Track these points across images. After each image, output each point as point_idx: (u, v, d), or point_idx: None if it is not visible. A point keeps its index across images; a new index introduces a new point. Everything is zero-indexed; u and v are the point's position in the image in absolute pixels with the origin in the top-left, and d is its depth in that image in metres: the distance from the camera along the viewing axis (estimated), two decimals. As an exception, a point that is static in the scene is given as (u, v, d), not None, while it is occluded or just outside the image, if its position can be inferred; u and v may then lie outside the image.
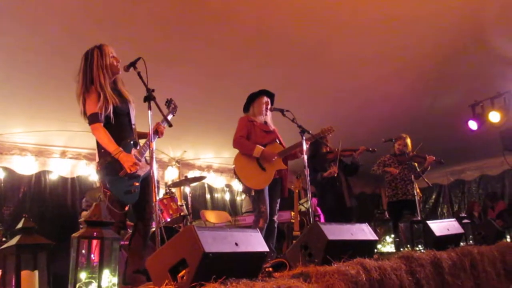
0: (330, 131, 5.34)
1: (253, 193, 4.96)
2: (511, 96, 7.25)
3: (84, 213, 6.71)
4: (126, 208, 3.72)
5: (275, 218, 5.14)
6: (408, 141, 7.08)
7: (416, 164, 7.08)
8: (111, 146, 3.61)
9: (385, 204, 8.79)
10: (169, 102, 4.24)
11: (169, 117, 4.11)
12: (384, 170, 7.19)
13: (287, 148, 5.19)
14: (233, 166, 5.24)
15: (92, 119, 3.65)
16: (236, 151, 5.20)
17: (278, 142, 5.23)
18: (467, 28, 6.15)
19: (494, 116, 7.44)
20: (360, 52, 6.55)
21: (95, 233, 2.75)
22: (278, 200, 5.22)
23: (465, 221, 6.40)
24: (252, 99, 5.31)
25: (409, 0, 5.56)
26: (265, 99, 5.29)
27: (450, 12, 5.79)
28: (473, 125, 7.80)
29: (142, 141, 3.95)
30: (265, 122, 5.28)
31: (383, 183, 8.26)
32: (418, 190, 7.01)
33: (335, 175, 6.35)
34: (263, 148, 5.01)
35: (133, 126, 3.92)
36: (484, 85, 7.48)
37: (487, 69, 7.14)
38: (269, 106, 5.29)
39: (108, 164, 3.64)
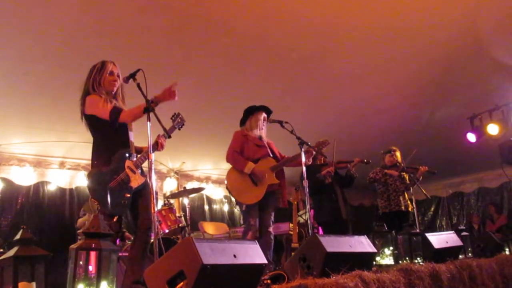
0: (326, 144, 5.36)
1: (244, 208, 5.01)
2: (509, 108, 7.27)
3: (80, 220, 6.71)
4: (114, 219, 3.71)
5: (271, 229, 5.14)
6: (398, 154, 7.09)
7: (406, 176, 7.11)
8: (139, 110, 3.68)
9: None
10: (176, 116, 4.24)
11: (174, 131, 4.12)
12: (385, 173, 7.17)
13: (279, 163, 5.23)
14: (225, 180, 5.29)
15: (114, 114, 3.73)
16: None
17: (271, 156, 5.27)
18: (465, 41, 6.19)
19: (493, 129, 7.44)
20: (359, 65, 6.58)
21: (93, 244, 2.74)
22: (273, 212, 5.24)
23: (464, 233, 6.38)
24: (250, 113, 5.35)
25: (408, 13, 5.60)
26: (263, 115, 5.34)
27: (448, 26, 5.84)
28: (471, 137, 7.80)
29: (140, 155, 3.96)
30: (260, 137, 5.32)
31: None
32: (409, 202, 7.03)
33: (331, 175, 6.31)
34: (254, 165, 5.06)
35: (131, 142, 3.93)
36: (482, 98, 7.51)
37: (485, 82, 7.17)
38: (265, 122, 5.34)
39: (97, 174, 3.65)
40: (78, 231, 6.44)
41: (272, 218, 5.22)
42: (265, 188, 5.04)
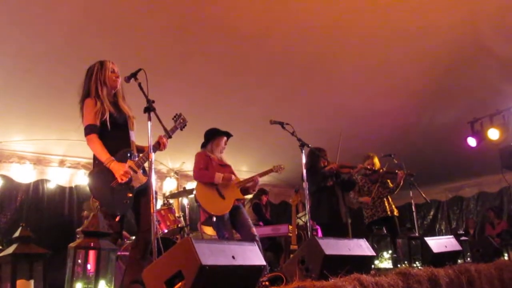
0: (280, 169, 5.54)
1: (214, 219, 5.09)
2: (510, 113, 7.26)
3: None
4: (117, 219, 3.71)
5: (253, 230, 5.17)
6: (376, 160, 7.10)
7: (389, 181, 7.13)
8: (103, 155, 3.64)
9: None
10: (177, 117, 4.26)
11: (176, 131, 4.14)
12: (360, 202, 7.25)
13: (243, 180, 5.42)
14: (194, 193, 5.45)
15: (88, 130, 3.71)
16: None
17: (234, 175, 5.42)
18: (467, 45, 6.20)
19: (493, 133, 7.44)
20: (359, 68, 6.59)
21: (92, 243, 2.74)
22: (248, 217, 5.33)
23: (463, 238, 6.37)
24: (212, 137, 5.47)
25: (408, 16, 5.62)
26: (225, 139, 5.49)
27: (450, 30, 5.85)
28: (472, 142, 7.80)
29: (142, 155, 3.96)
30: (221, 158, 5.48)
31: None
32: (394, 207, 7.06)
33: (334, 171, 6.32)
34: (222, 174, 5.21)
35: (132, 141, 3.93)
36: (483, 102, 7.51)
37: (487, 86, 7.17)
38: (225, 146, 5.53)
39: (99, 173, 3.65)
40: (78, 229, 6.42)
41: (250, 220, 5.29)
42: (232, 202, 5.18)
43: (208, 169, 5.27)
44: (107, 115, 3.72)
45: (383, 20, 5.65)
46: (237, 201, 5.26)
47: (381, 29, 5.78)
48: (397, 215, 7.10)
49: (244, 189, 5.41)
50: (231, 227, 5.20)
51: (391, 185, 7.13)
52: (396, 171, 6.94)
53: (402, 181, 6.94)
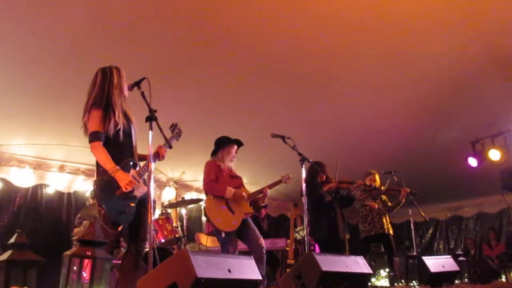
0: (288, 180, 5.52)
1: (223, 235, 5.01)
2: (511, 135, 7.27)
3: (76, 230, 6.66)
4: (120, 228, 3.69)
5: (261, 241, 5.12)
6: (377, 177, 7.08)
7: (387, 199, 7.11)
8: (108, 164, 3.61)
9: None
10: (174, 127, 4.28)
11: (173, 141, 4.15)
12: (365, 205, 7.20)
13: (252, 193, 5.33)
14: (203, 207, 5.40)
15: (93, 137, 3.66)
16: None
17: (243, 187, 5.37)
18: (470, 67, 6.23)
19: (494, 154, 7.44)
20: (362, 86, 6.61)
21: (87, 252, 2.72)
22: (256, 229, 5.27)
23: (461, 258, 6.34)
24: (223, 145, 5.40)
25: (413, 38, 5.65)
26: (235, 147, 5.43)
27: (453, 51, 5.88)
28: (473, 162, 7.80)
29: (142, 163, 3.95)
30: (231, 168, 5.41)
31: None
32: (390, 225, 7.03)
33: (333, 190, 6.29)
34: (233, 189, 5.13)
35: (134, 148, 3.93)
36: (485, 123, 7.51)
37: (489, 107, 7.19)
38: (236, 155, 5.46)
39: (104, 182, 3.62)
40: (73, 238, 6.39)
41: (258, 232, 5.24)
42: (242, 216, 5.12)
43: (219, 181, 5.20)
44: (121, 126, 3.70)
45: (383, 42, 5.69)
46: (245, 214, 5.20)
47: (386, 49, 5.81)
48: (392, 234, 7.08)
49: (253, 202, 5.34)
50: (239, 239, 5.16)
51: (390, 204, 7.10)
52: (400, 188, 6.93)
53: (403, 199, 6.92)
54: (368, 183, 6.72)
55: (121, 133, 3.71)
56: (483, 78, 6.42)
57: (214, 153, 5.44)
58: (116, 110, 3.71)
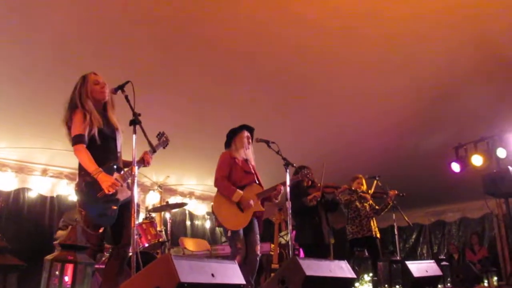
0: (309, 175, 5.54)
1: (229, 234, 4.95)
2: (494, 141, 7.33)
3: (60, 232, 6.59)
4: (101, 230, 3.66)
5: (258, 249, 5.07)
6: (364, 181, 7.12)
7: (373, 202, 7.16)
8: (91, 166, 3.60)
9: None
10: (161, 135, 4.27)
11: (159, 149, 4.15)
12: (360, 196, 7.15)
13: (265, 190, 5.21)
14: (212, 203, 5.29)
15: (76, 140, 3.67)
16: None
17: (257, 182, 5.25)
18: (455, 73, 6.30)
19: (477, 160, 7.51)
20: (347, 92, 6.66)
21: (69, 256, 2.69)
22: (258, 234, 5.20)
23: (444, 263, 6.39)
24: (234, 134, 5.33)
25: (398, 45, 5.72)
26: (246, 133, 5.32)
27: (437, 58, 5.95)
28: (456, 167, 7.86)
29: (127, 169, 3.93)
30: (246, 160, 5.30)
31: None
32: (377, 229, 7.06)
33: (317, 199, 6.28)
34: (242, 193, 5.02)
35: (119, 153, 3.91)
36: (468, 129, 7.61)
37: (472, 113, 7.26)
38: (250, 140, 5.33)
39: (86, 184, 3.61)
40: (55, 242, 6.31)
41: (258, 237, 5.19)
42: (251, 215, 5.04)
43: (231, 176, 5.10)
44: (95, 130, 3.70)
45: (374, 48, 5.74)
46: (256, 213, 5.10)
47: (372, 56, 5.88)
48: (379, 238, 7.10)
49: (266, 198, 5.24)
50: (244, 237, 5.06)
51: (377, 207, 7.13)
52: (388, 191, 6.96)
53: (391, 201, 6.96)
54: (354, 188, 6.74)
55: (96, 136, 3.70)
56: (467, 85, 6.50)
57: (227, 145, 5.37)
58: (88, 114, 3.72)
